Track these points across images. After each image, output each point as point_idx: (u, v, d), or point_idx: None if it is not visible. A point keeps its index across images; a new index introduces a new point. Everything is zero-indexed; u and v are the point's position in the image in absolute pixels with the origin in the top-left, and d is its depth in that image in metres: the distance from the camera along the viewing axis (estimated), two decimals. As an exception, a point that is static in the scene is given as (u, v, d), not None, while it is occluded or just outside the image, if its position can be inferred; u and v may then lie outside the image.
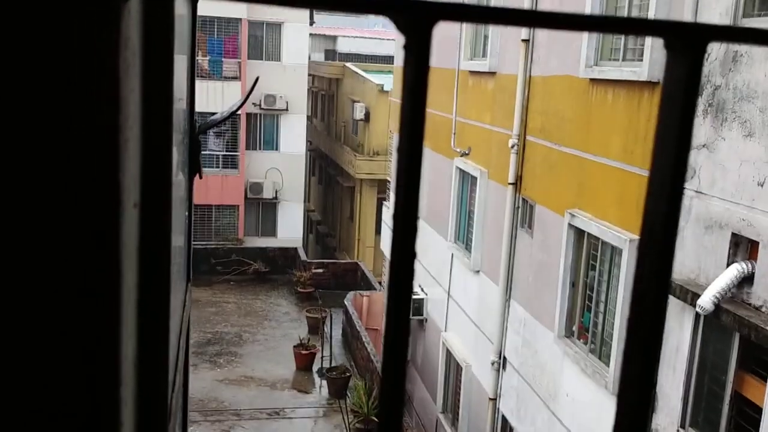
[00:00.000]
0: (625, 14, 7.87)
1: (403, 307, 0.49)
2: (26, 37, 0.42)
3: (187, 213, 1.58)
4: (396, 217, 0.54)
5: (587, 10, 8.31)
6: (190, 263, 1.66)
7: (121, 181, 0.45)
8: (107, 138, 0.43)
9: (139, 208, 0.58)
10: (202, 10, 26.31)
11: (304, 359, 17.32)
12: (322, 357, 17.22)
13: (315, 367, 17.39)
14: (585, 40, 8.36)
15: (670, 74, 0.50)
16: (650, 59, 7.13)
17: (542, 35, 9.66)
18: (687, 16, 6.61)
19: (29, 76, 0.43)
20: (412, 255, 0.51)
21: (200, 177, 1.66)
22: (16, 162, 0.44)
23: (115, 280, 0.46)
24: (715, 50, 6.31)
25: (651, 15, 7.15)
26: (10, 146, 0.43)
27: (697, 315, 6.31)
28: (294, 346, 17.54)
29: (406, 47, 0.49)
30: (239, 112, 24.64)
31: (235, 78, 24.86)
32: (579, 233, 8.62)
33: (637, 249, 0.54)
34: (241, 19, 24.71)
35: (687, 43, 0.49)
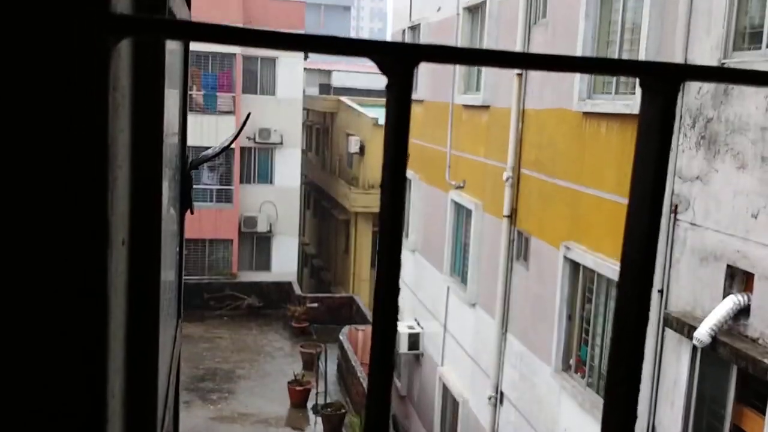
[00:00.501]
0: (617, 47, 7.99)
1: (388, 345, 0.49)
2: (16, 78, 0.43)
3: (178, 249, 1.58)
4: (380, 253, 0.54)
5: (579, 45, 8.44)
6: (181, 299, 1.65)
7: (110, 219, 0.45)
8: (95, 177, 0.44)
9: (127, 246, 0.58)
10: (197, 45, 26.58)
11: (299, 396, 17.12)
12: (317, 393, 17.02)
13: (310, 404, 17.18)
14: (578, 74, 8.47)
15: (645, 112, 0.51)
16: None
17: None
18: (678, 50, 6.71)
19: (19, 115, 0.43)
20: (396, 288, 0.51)
21: (191, 212, 1.66)
22: (3, 199, 0.44)
23: (102, 317, 0.46)
24: (706, 83, 6.40)
25: (642, 48, 7.25)
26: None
27: (695, 348, 6.28)
28: (288, 382, 17.34)
29: (387, 87, 0.50)
30: (233, 146, 24.74)
31: (229, 112, 25.01)
32: (574, 266, 8.62)
33: (617, 288, 0.54)
34: (235, 54, 24.96)
35: (661, 82, 0.50)
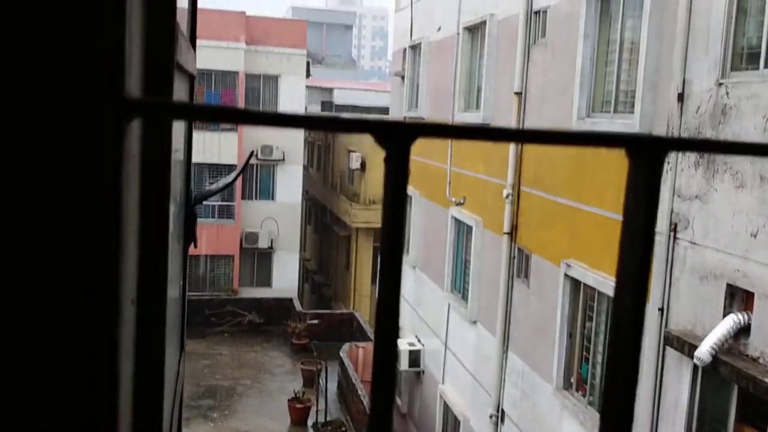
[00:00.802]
0: (615, 66, 8.04)
1: (390, 363, 0.51)
2: (36, 152, 0.45)
3: (181, 283, 1.60)
4: (377, 325, 0.56)
5: (578, 65, 8.50)
6: (183, 332, 1.67)
7: (120, 285, 0.47)
8: (106, 246, 0.46)
9: (135, 305, 0.61)
10: (200, 63, 26.59)
11: (299, 413, 17.04)
12: (317, 411, 16.95)
13: (310, 422, 17.10)
14: (577, 92, 8.52)
15: (631, 183, 0.54)
16: (641, 111, 7.26)
17: (535, 87, 9.84)
18: (676, 69, 6.76)
19: (37, 188, 0.46)
20: (397, 313, 0.53)
21: (195, 246, 1.69)
22: (19, 264, 0.46)
23: (113, 378, 0.48)
24: (704, 102, 6.44)
25: (641, 67, 7.30)
26: (14, 246, 0.46)
27: (695, 367, 6.27)
28: (288, 400, 17.27)
29: (386, 160, 0.52)
30: (235, 162, 24.81)
31: (232, 129, 25.11)
32: (575, 283, 8.62)
33: (606, 364, 0.57)
34: (238, 72, 25.11)
35: (646, 153, 0.53)
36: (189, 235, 1.58)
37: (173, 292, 1.29)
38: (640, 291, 0.57)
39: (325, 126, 0.53)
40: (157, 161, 0.66)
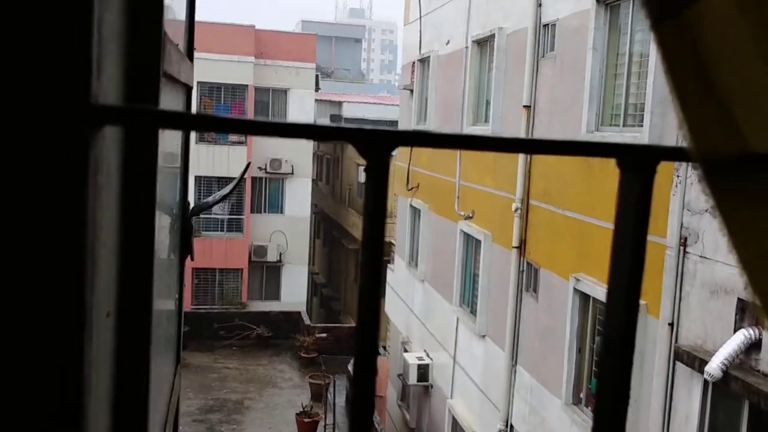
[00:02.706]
0: (624, 79, 8.02)
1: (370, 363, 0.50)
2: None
3: (177, 296, 1.59)
4: (359, 328, 0.55)
5: (587, 78, 8.48)
6: (180, 345, 1.66)
7: (86, 296, 0.46)
8: (71, 259, 0.45)
9: (114, 317, 0.59)
10: (210, 77, 26.66)
11: (307, 427, 16.97)
12: (325, 425, 16.88)
13: (318, 435, 17.02)
14: (586, 105, 8.50)
15: (622, 192, 0.52)
16: (650, 124, 7.22)
17: (543, 101, 9.83)
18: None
19: None
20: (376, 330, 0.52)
21: (192, 259, 1.68)
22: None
23: (80, 392, 0.46)
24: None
25: (650, 80, 7.27)
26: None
27: (706, 382, 6.20)
28: (296, 414, 17.21)
29: (366, 169, 0.51)
30: (244, 176, 24.90)
31: (240, 143, 25.22)
32: (584, 297, 8.56)
33: (597, 369, 0.55)
34: (247, 85, 25.25)
35: (638, 163, 0.51)
36: (185, 247, 1.57)
37: (166, 304, 1.28)
38: (632, 300, 0.55)
39: (304, 134, 0.52)
40: (141, 171, 0.65)
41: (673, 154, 0.51)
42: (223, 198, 2.62)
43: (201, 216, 24.77)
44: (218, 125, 0.46)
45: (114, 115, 0.44)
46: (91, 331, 0.50)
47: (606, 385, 0.54)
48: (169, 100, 1.14)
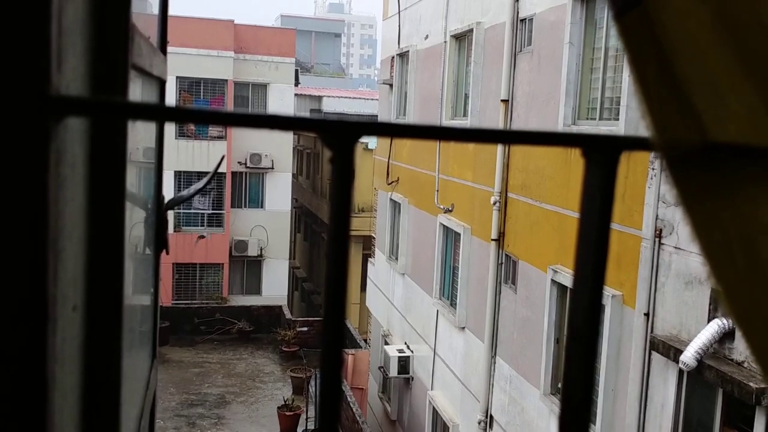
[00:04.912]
0: (601, 73, 8.08)
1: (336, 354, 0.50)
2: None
3: (153, 289, 1.58)
4: (325, 320, 0.55)
5: (563, 72, 8.53)
6: (156, 340, 1.65)
7: (50, 293, 0.46)
8: (31, 251, 0.44)
9: (81, 310, 0.59)
10: (189, 71, 26.45)
11: (289, 421, 16.97)
12: (306, 418, 16.88)
13: (300, 429, 17.02)
14: (562, 99, 8.56)
15: (587, 182, 0.53)
16: (626, 118, 7.29)
17: (521, 95, 9.88)
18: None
19: None
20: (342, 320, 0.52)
21: (167, 253, 1.67)
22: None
23: (42, 388, 0.46)
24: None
25: (625, 74, 7.34)
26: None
27: (681, 371, 6.29)
28: (278, 408, 17.19)
29: (331, 161, 0.51)
30: (224, 171, 24.76)
31: (220, 137, 25.06)
32: (562, 289, 8.64)
33: (564, 361, 0.56)
34: (227, 80, 25.08)
35: (602, 153, 0.52)
36: (160, 241, 1.56)
37: (140, 299, 1.27)
38: (596, 288, 0.56)
39: (270, 124, 0.52)
40: (109, 163, 0.64)
41: (637, 143, 0.52)
42: (199, 191, 2.61)
43: (182, 211, 24.59)
44: (184, 116, 0.46)
45: (75, 106, 0.44)
46: (56, 325, 0.49)
47: (571, 370, 0.55)
48: (140, 94, 1.13)
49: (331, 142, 0.50)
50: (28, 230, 0.44)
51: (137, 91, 1.06)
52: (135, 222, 1.13)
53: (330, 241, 0.52)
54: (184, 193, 2.52)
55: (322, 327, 0.53)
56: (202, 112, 0.45)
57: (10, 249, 0.44)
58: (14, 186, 0.44)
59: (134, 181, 1.15)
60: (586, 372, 0.54)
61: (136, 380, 1.16)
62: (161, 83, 1.51)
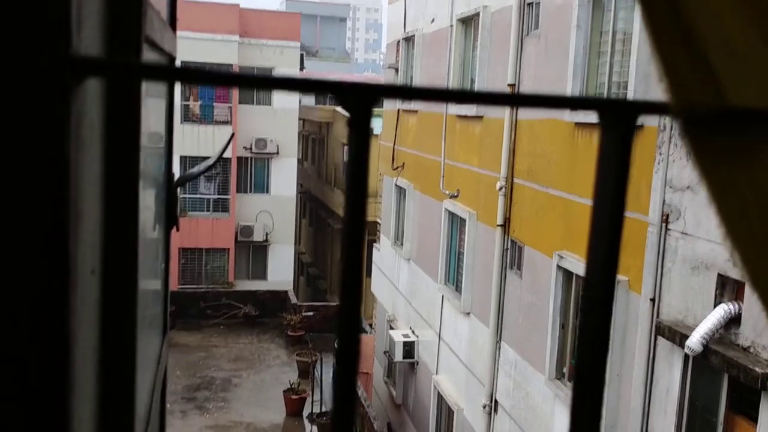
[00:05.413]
0: (608, 57, 8.03)
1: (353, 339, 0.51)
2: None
3: (163, 265, 1.59)
4: (342, 284, 0.56)
5: (570, 56, 8.48)
6: (167, 315, 1.66)
7: (71, 251, 0.46)
8: (54, 213, 0.45)
9: (99, 274, 0.59)
10: (194, 56, 26.40)
11: (295, 404, 17.08)
12: (312, 402, 16.99)
13: (305, 412, 17.14)
14: (570, 83, 8.51)
15: (603, 147, 0.53)
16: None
17: (528, 79, 9.83)
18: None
19: None
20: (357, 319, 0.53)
21: (177, 230, 1.68)
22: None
23: (64, 348, 0.47)
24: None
25: (633, 58, 7.29)
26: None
27: (686, 356, 6.30)
28: (284, 391, 17.31)
29: (349, 123, 0.52)
30: (230, 156, 24.77)
31: (226, 122, 25.05)
32: (567, 275, 8.64)
33: (577, 342, 0.56)
34: (232, 65, 25.02)
35: (618, 118, 0.52)
36: (171, 218, 1.57)
37: (152, 273, 1.28)
38: (612, 258, 0.56)
39: (287, 86, 0.52)
40: (124, 127, 0.65)
41: (653, 108, 0.52)
42: (208, 168, 2.63)
43: (188, 196, 24.63)
44: (199, 78, 0.47)
45: (95, 66, 0.44)
46: (76, 285, 0.50)
47: (585, 341, 0.55)
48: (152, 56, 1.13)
49: (349, 104, 0.50)
50: (51, 189, 0.45)
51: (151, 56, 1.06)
52: (146, 196, 1.13)
53: (348, 200, 0.52)
54: (194, 170, 2.54)
55: (339, 289, 0.53)
56: (216, 74, 0.45)
57: (34, 207, 0.45)
58: (39, 144, 0.44)
59: (144, 156, 1.16)
60: (599, 349, 0.54)
61: (148, 353, 1.17)
62: (171, 59, 1.51)
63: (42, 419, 0.47)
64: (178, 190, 1.72)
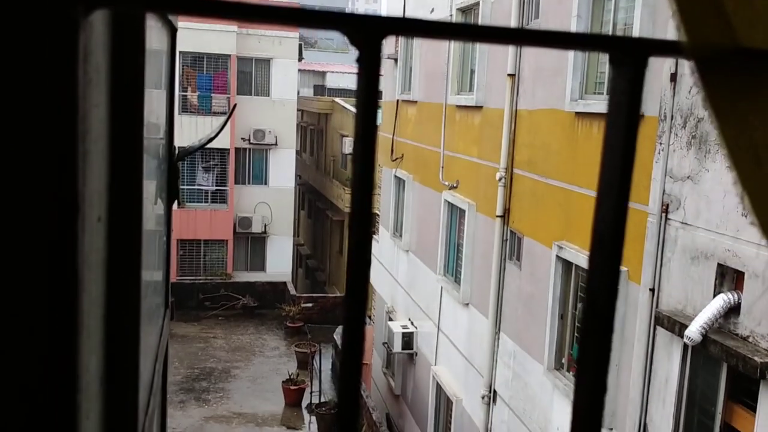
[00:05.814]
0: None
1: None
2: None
3: (165, 238, 1.58)
4: (351, 227, 0.55)
5: (570, 60, 8.45)
6: (168, 291, 1.66)
7: (80, 191, 0.46)
8: (62, 148, 0.44)
9: (105, 222, 0.59)
10: (192, 46, 26.31)
11: (293, 395, 17.12)
12: (311, 392, 17.03)
13: (304, 403, 17.18)
14: (570, 74, 8.49)
15: (614, 88, 0.52)
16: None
17: (528, 69, 9.81)
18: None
19: None
20: (367, 261, 0.52)
21: (179, 205, 1.67)
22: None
23: (72, 290, 0.46)
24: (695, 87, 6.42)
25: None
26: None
27: (686, 346, 6.31)
28: (283, 382, 17.34)
29: (358, 60, 0.51)
30: (228, 147, 24.72)
31: (224, 113, 24.97)
32: (567, 265, 8.64)
33: (588, 260, 0.55)
34: (230, 55, 24.95)
35: (629, 56, 0.51)
36: (173, 191, 1.57)
37: (155, 242, 1.28)
38: (621, 206, 0.56)
39: (293, 20, 0.51)
40: (129, 63, 0.64)
41: (665, 47, 0.51)
42: (210, 140, 2.62)
43: (185, 187, 24.60)
44: (204, 8, 0.46)
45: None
46: (84, 230, 0.49)
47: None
48: (158, 39, 1.13)
49: (358, 39, 0.49)
50: (59, 120, 0.44)
51: (151, 34, 1.05)
52: (148, 168, 1.13)
53: (356, 143, 0.52)
54: (195, 143, 2.54)
55: (350, 231, 0.52)
56: (228, 5, 0.45)
57: (44, 139, 0.44)
58: (47, 75, 0.43)
59: (145, 129, 1.15)
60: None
61: (149, 322, 1.17)
62: (173, 32, 1.49)
63: (50, 355, 0.46)
64: (179, 165, 1.72)
